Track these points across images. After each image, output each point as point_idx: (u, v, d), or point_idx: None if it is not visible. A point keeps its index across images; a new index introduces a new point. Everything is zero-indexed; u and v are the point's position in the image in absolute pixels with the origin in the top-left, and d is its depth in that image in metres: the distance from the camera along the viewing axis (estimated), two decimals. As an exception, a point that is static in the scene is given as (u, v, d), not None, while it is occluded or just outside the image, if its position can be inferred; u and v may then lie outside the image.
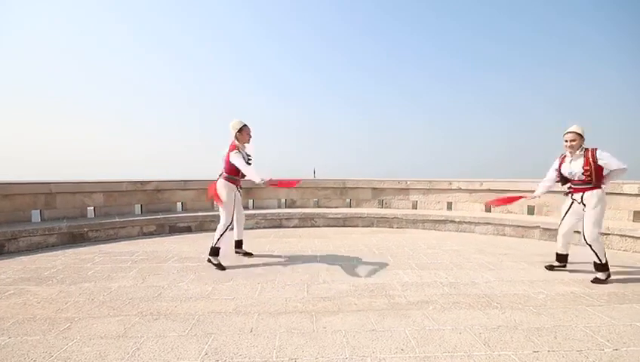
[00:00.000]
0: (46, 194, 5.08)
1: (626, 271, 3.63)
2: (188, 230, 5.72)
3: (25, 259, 4.00)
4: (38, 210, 5.02)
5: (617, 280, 3.30)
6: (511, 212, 5.86)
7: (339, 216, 6.23)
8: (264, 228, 6.10)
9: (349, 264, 3.85)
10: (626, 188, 4.90)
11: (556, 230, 4.83)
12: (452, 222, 5.74)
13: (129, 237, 5.21)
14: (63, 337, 2.17)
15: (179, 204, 6.30)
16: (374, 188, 6.82)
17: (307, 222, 6.22)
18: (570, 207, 3.50)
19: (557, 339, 2.17)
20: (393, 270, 3.62)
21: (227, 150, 3.67)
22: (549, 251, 4.43)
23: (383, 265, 3.78)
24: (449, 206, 6.39)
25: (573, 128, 3.30)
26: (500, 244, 4.84)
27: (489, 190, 6.01)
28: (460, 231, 5.70)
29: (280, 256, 4.18)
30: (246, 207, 6.54)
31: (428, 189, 6.51)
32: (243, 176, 3.73)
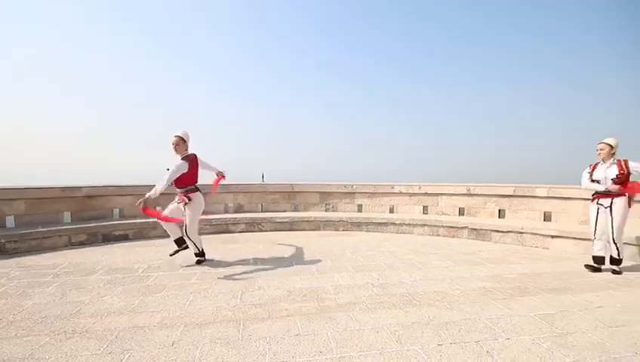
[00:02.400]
0: (-49, 202, 4.52)
1: (534, 265, 4.12)
2: (125, 238, 5.42)
3: None
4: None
5: (524, 275, 3.74)
6: (445, 213, 6.34)
7: (286, 220, 6.29)
8: (209, 233, 5.96)
9: (289, 268, 3.92)
10: (538, 192, 5.56)
11: (482, 230, 5.35)
12: (393, 224, 6.07)
13: (55, 248, 4.80)
14: (-46, 365, 1.98)
15: (116, 211, 5.94)
16: (322, 193, 6.98)
17: (254, 226, 6.20)
18: (597, 213, 3.82)
19: (460, 332, 2.42)
20: (330, 273, 3.76)
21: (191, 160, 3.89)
22: (474, 249, 4.90)
23: (320, 269, 3.90)
24: (391, 209, 6.74)
25: (606, 140, 3.76)
26: (433, 244, 5.22)
27: (426, 193, 6.45)
28: (401, 233, 6.04)
29: (220, 263, 4.13)
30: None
31: (372, 193, 6.81)
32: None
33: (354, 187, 6.87)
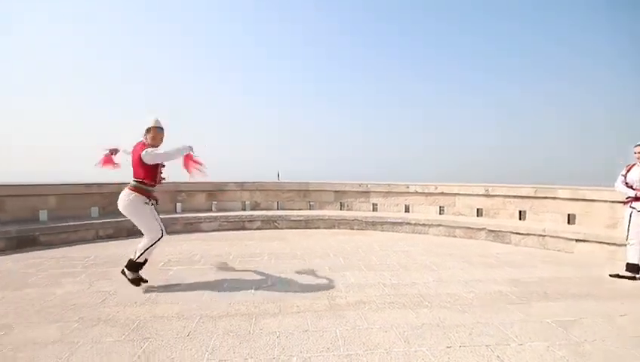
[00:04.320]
0: (-6, 197, 4.89)
1: (555, 270, 4.00)
2: (148, 233, 5.66)
3: (-34, 265, 3.86)
4: (-15, 214, 4.82)
5: (544, 279, 3.64)
6: (462, 214, 6.23)
7: (301, 218, 6.37)
8: (227, 230, 6.14)
9: (302, 266, 4.00)
10: (560, 193, 5.36)
11: (501, 232, 5.22)
12: (408, 224, 6.03)
13: (84, 241, 5.11)
14: (-4, 345, 2.17)
15: (140, 206, 6.21)
16: (336, 191, 7.02)
17: (270, 224, 6.32)
18: (630, 216, 3.67)
19: (471, 336, 2.40)
20: (342, 271, 3.80)
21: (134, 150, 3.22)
22: (492, 251, 4.79)
23: (333, 268, 3.95)
24: (407, 208, 6.69)
25: None
26: (449, 245, 5.15)
27: (443, 193, 6.36)
28: (416, 233, 5.99)
29: (235, 259, 4.26)
30: (209, 210, 6.57)
31: (387, 192, 6.78)
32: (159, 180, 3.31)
33: (369, 186, 6.87)
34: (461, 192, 6.18)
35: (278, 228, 6.31)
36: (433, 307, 2.89)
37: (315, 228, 6.34)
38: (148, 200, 3.26)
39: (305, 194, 7.06)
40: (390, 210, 6.76)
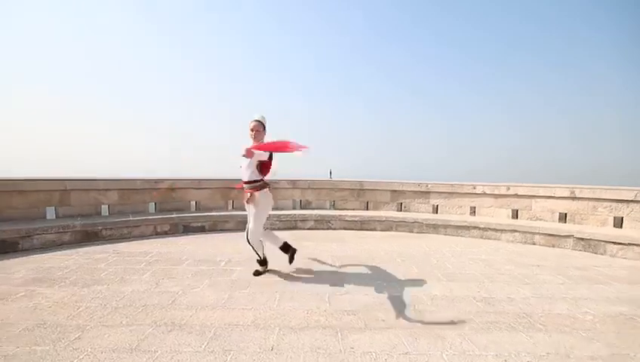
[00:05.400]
0: (61, 191, 5.02)
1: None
2: (202, 230, 5.60)
3: (38, 258, 3.92)
4: (53, 207, 4.96)
5: (671, 301, 2.98)
6: (540, 219, 5.53)
7: (356, 218, 6.00)
8: (279, 229, 5.91)
9: (371, 272, 3.64)
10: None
11: (594, 241, 4.52)
12: (476, 228, 5.45)
13: (143, 236, 5.11)
14: (72, 348, 2.02)
15: (192, 203, 6.19)
16: (393, 191, 6.56)
17: (323, 224, 6.02)
18: None
19: (618, 372, 1.91)
20: (419, 281, 3.38)
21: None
22: (587, 263, 4.12)
23: (407, 275, 3.55)
24: (472, 211, 6.09)
25: None
26: (531, 254, 4.53)
27: (516, 195, 5.69)
28: (485, 239, 5.40)
29: (297, 261, 3.98)
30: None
31: (450, 193, 6.22)
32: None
33: (429, 186, 6.34)
34: (539, 194, 5.48)
35: (331, 229, 5.99)
36: (549, 331, 2.39)
37: (371, 229, 5.94)
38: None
39: (359, 193, 6.67)
40: (453, 212, 6.19)
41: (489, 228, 5.38)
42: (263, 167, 3.31)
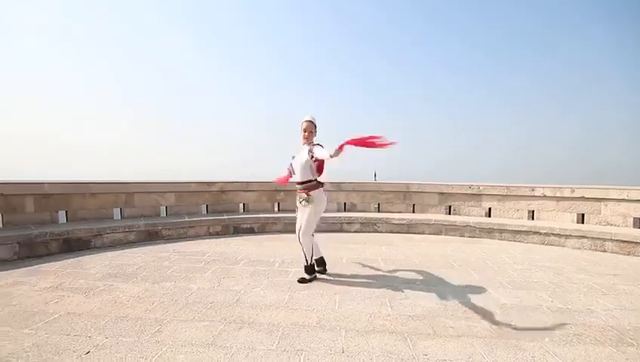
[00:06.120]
0: (126, 193, 5.42)
1: None
2: (251, 231, 5.76)
3: (109, 255, 4.24)
4: (119, 209, 5.36)
5: None
6: (611, 224, 5.04)
7: (403, 221, 5.86)
8: (324, 231, 5.92)
9: (428, 277, 3.51)
10: None
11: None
12: (537, 233, 5.09)
13: (197, 236, 5.36)
14: (155, 341, 2.15)
15: (241, 205, 6.39)
16: (441, 193, 6.33)
17: (369, 227, 5.95)
18: None
19: None
20: (482, 288, 3.21)
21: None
22: (674, 274, 3.69)
23: (467, 282, 3.39)
24: (530, 215, 5.70)
25: None
26: (604, 262, 4.14)
27: (583, 198, 5.24)
28: (547, 245, 5.02)
29: (350, 264, 3.97)
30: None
31: (504, 195, 5.87)
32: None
33: (480, 188, 6.04)
34: (610, 197, 5.01)
35: (378, 232, 5.90)
36: (644, 347, 2.16)
37: (419, 233, 5.77)
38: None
39: (405, 195, 6.52)
40: (508, 216, 5.83)
41: (551, 234, 5.00)
42: (318, 167, 3.32)
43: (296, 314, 2.57)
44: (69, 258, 4.07)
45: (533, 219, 5.65)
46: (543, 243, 5.05)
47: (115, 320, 2.44)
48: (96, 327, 2.33)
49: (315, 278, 3.38)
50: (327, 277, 3.46)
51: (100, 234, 4.65)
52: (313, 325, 2.40)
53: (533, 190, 5.61)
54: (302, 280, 3.31)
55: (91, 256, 4.22)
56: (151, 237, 5.05)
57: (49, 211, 4.74)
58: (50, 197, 4.75)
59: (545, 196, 5.52)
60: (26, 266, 3.72)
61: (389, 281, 3.36)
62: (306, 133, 3.33)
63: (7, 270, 3.57)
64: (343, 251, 4.57)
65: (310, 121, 3.34)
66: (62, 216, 4.92)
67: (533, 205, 5.66)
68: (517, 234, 5.26)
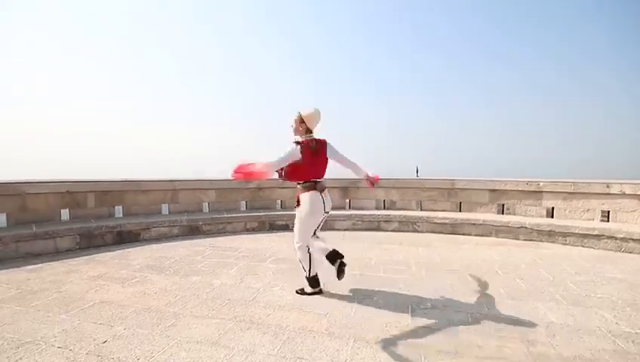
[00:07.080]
0: (172, 190, 5.82)
1: None
2: (286, 228, 5.79)
3: (154, 248, 4.58)
4: (167, 204, 5.78)
5: None
6: None
7: (447, 221, 5.40)
8: (360, 230, 5.74)
9: (464, 285, 3.14)
10: None
11: None
12: (612, 238, 4.28)
13: (234, 232, 5.55)
14: (166, 336, 2.21)
15: (278, 202, 6.48)
16: (492, 191, 5.68)
17: (408, 226, 5.59)
18: None
19: None
20: (528, 301, 2.77)
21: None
22: None
23: (511, 292, 2.95)
24: (604, 216, 4.82)
25: None
26: (703, 277, 3.31)
27: (676, 196, 4.28)
28: (625, 252, 4.20)
29: (378, 266, 3.74)
30: (342, 207, 6.30)
31: (570, 193, 5.05)
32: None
33: (540, 185, 5.28)
34: None
35: (417, 232, 5.52)
36: None
37: (465, 234, 5.26)
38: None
39: (450, 193, 5.99)
40: (575, 217, 5.02)
41: (630, 239, 4.16)
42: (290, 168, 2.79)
43: (306, 318, 2.47)
44: (120, 249, 4.49)
45: (608, 220, 4.78)
46: (619, 250, 4.24)
47: (139, 312, 2.58)
48: (120, 317, 2.49)
49: (319, 292, 2.91)
50: (351, 280, 3.29)
51: (148, 228, 5.05)
52: (321, 331, 2.28)
53: (608, 186, 4.73)
54: (301, 292, 2.94)
55: (138, 248, 4.59)
56: (192, 231, 5.36)
57: (107, 206, 5.29)
58: (108, 193, 5.29)
59: (624, 194, 4.61)
60: (83, 256, 4.18)
61: (416, 287, 3.08)
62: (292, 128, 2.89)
63: (67, 259, 4.04)
64: (374, 251, 4.35)
65: (298, 114, 2.81)
66: (118, 210, 5.46)
67: (608, 204, 4.77)
68: (585, 238, 4.48)
